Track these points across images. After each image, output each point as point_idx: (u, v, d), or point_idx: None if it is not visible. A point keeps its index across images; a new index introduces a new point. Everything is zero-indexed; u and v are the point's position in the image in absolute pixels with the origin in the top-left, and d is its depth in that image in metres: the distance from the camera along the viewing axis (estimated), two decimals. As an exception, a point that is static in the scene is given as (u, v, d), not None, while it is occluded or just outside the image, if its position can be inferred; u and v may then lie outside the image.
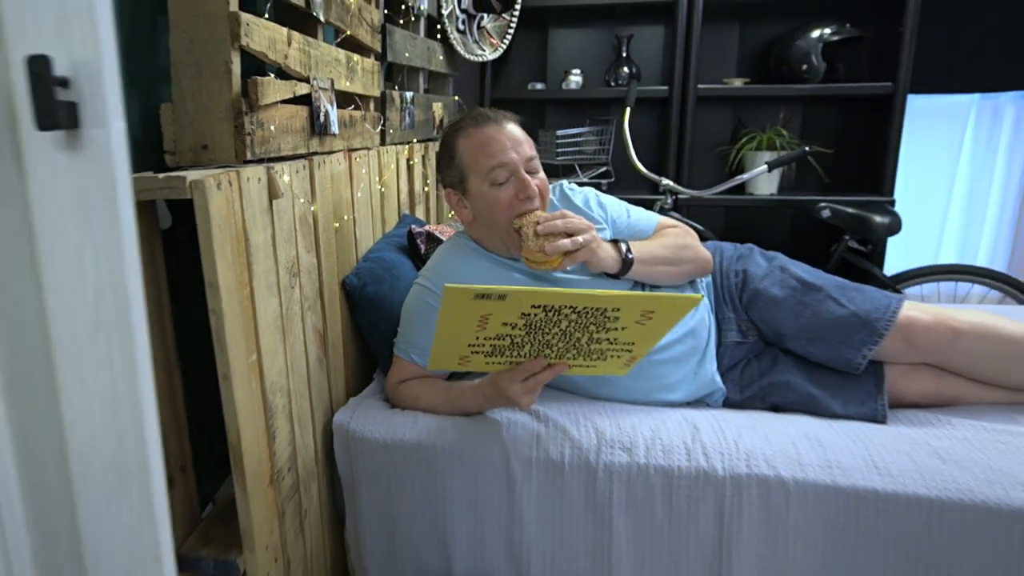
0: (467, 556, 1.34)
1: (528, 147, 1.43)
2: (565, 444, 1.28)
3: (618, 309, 1.07)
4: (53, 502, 0.69)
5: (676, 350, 1.42)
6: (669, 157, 2.79)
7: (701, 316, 1.47)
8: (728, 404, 1.46)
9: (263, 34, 1.14)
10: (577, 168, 2.93)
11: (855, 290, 1.46)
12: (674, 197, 2.49)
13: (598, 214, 1.53)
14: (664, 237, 1.52)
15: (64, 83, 0.55)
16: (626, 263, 1.39)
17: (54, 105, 0.52)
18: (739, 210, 3.01)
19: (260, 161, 1.15)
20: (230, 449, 1.03)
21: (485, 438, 1.31)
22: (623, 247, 1.41)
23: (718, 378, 1.46)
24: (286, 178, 1.20)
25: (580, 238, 1.30)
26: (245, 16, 1.07)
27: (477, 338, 1.11)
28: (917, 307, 1.40)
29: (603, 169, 2.92)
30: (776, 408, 1.43)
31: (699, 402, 1.46)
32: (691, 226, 1.65)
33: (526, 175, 1.37)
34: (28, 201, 0.54)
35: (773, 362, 1.47)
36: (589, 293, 1.04)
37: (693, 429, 1.29)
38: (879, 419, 1.34)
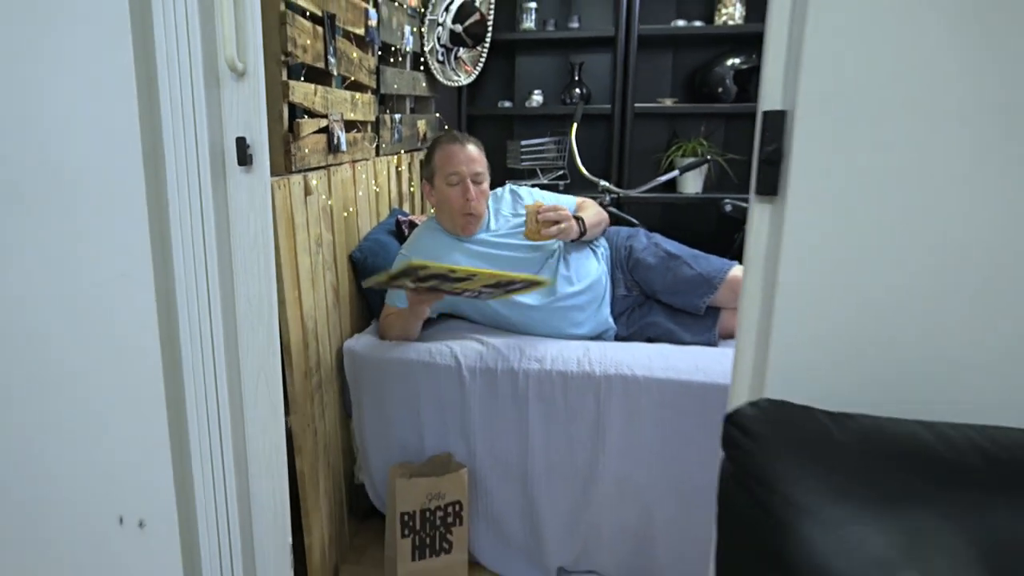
0: (433, 436, 1.99)
1: (479, 165, 2.08)
2: (498, 359, 1.93)
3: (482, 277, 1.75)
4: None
5: (581, 299, 2.08)
6: (613, 163, 3.45)
7: (599, 276, 2.13)
8: (618, 338, 2.11)
9: (300, 91, 1.78)
10: (539, 172, 3.58)
11: (703, 258, 2.11)
12: (611, 196, 3.13)
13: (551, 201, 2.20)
14: (587, 210, 2.18)
15: (244, 143, 1.18)
16: (583, 232, 2.06)
17: (244, 156, 1.16)
18: (671, 206, 3.66)
19: (299, 171, 1.79)
20: (283, 349, 1.67)
21: (446, 356, 1.95)
22: (583, 223, 2.07)
23: (611, 319, 2.11)
24: (314, 182, 1.85)
25: (564, 224, 1.97)
26: (292, 83, 1.71)
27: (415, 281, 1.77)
28: (741, 269, 2.06)
29: (560, 172, 3.57)
30: (649, 339, 2.08)
31: (598, 337, 2.11)
32: (613, 213, 2.30)
33: (470, 183, 2.03)
34: (228, 195, 1.17)
35: (648, 309, 2.12)
36: (478, 271, 1.70)
37: (585, 350, 1.94)
38: (713, 344, 2.00)
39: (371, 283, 1.77)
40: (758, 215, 0.92)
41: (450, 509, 1.90)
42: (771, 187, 0.88)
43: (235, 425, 1.26)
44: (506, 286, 1.81)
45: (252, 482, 1.32)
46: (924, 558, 0.67)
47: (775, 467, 0.75)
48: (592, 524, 1.93)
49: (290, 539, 1.39)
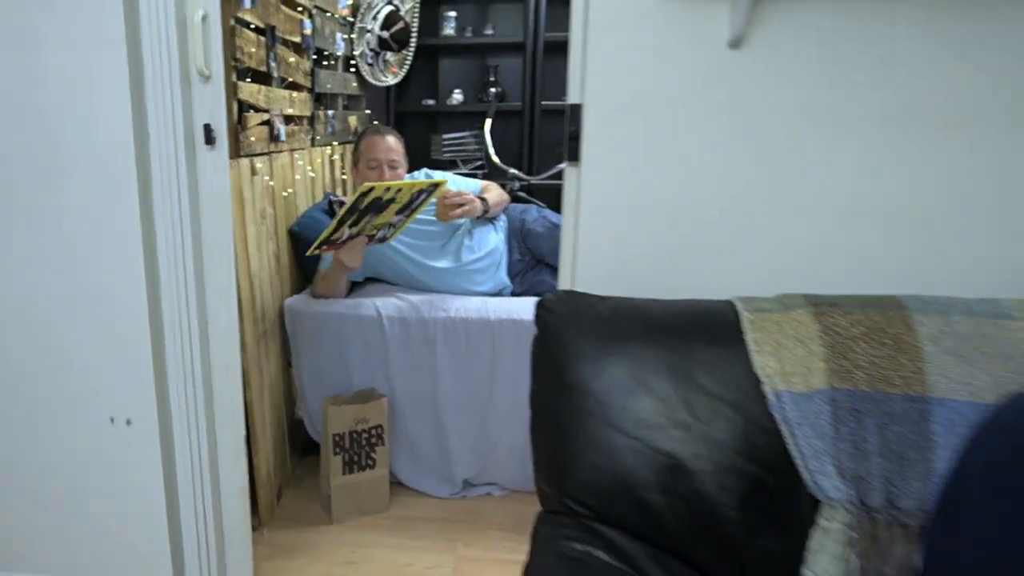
0: (359, 375, 2.40)
1: (395, 153, 2.50)
2: (413, 311, 2.35)
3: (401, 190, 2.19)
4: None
5: (482, 263, 2.52)
6: (524, 153, 3.90)
7: (498, 244, 2.57)
8: (514, 294, 2.56)
9: (247, 90, 2.18)
10: (459, 162, 4.01)
11: (583, 229, 2.57)
12: (520, 182, 3.58)
13: (460, 185, 2.64)
14: (491, 192, 2.62)
15: (210, 129, 1.58)
16: (486, 210, 2.50)
17: (210, 138, 1.55)
18: (578, 194, 4.13)
19: (247, 156, 2.19)
20: (239, 298, 2.07)
21: (370, 309, 2.37)
22: (487, 203, 2.50)
23: (507, 279, 2.56)
24: (259, 165, 2.24)
25: (467, 206, 2.40)
26: (240, 83, 2.11)
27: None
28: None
29: (479, 163, 4.02)
30: (538, 295, 2.53)
31: (498, 294, 2.55)
32: (523, 198, 2.74)
33: (387, 168, 2.46)
34: (197, 166, 1.57)
35: (539, 270, 2.58)
36: (403, 184, 2.16)
37: (484, 303, 2.38)
38: (589, 298, 2.46)
39: (314, 250, 2.20)
40: (568, 175, 1.37)
41: (373, 431, 2.32)
42: (575, 156, 1.33)
43: (202, 342, 1.66)
44: (417, 198, 2.25)
45: (215, 390, 1.72)
46: (644, 376, 1.12)
47: (562, 330, 1.20)
48: (490, 443, 2.37)
49: (244, 436, 1.79)
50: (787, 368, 1.05)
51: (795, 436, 1.02)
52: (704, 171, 1.26)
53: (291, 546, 2.20)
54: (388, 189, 2.14)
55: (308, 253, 2.29)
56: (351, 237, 2.27)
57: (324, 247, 2.25)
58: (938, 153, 1.19)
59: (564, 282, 1.39)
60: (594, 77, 1.26)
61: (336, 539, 2.25)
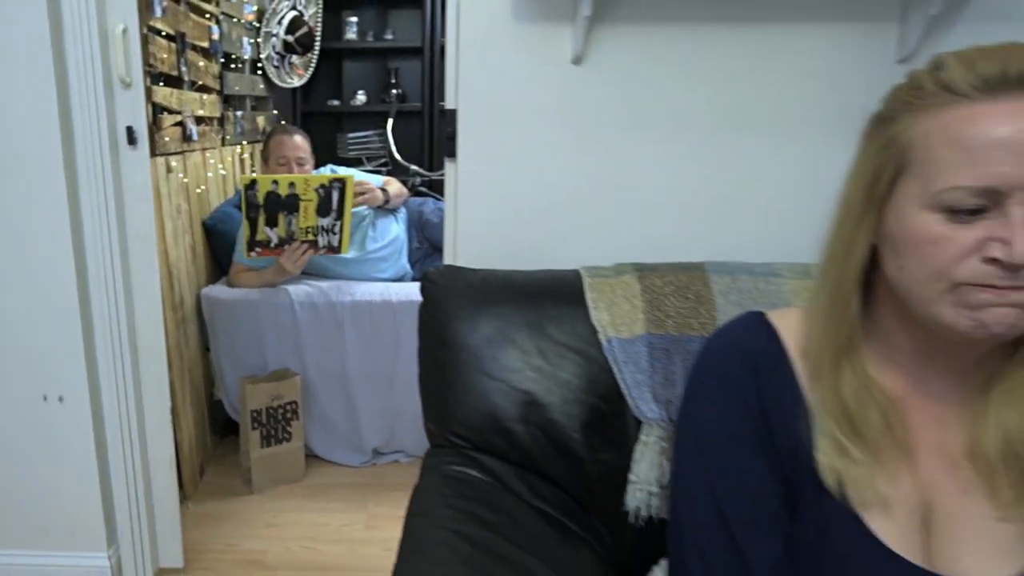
0: (273, 356, 2.61)
1: (302, 151, 2.71)
2: (322, 295, 2.57)
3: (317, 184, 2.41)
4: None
5: (384, 252, 2.76)
6: (424, 152, 4.15)
7: (398, 234, 2.81)
8: (414, 279, 2.80)
9: (160, 94, 2.35)
10: (364, 160, 4.22)
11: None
12: (421, 177, 3.82)
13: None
14: (392, 185, 2.85)
15: (132, 131, 1.76)
16: (387, 201, 2.73)
17: (132, 138, 1.73)
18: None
19: (162, 155, 2.36)
20: (161, 288, 2.25)
21: (282, 295, 2.58)
22: (388, 195, 2.73)
23: (408, 266, 2.80)
24: (174, 163, 2.42)
25: (368, 195, 2.62)
26: (154, 87, 2.28)
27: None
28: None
29: (383, 161, 4.23)
30: (438, 281, 2.79)
31: (399, 279, 2.79)
32: (424, 192, 2.98)
33: (294, 165, 2.66)
34: (120, 165, 1.75)
35: (436, 257, 2.83)
36: (295, 177, 2.37)
37: (387, 287, 2.62)
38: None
39: (249, 254, 2.43)
40: (448, 170, 1.62)
41: (288, 407, 2.53)
42: (452, 153, 1.58)
43: (129, 323, 1.84)
44: (330, 196, 2.46)
45: (142, 367, 1.90)
46: (507, 331, 1.39)
47: (442, 297, 1.45)
48: (397, 414, 2.62)
49: (170, 407, 1.99)
50: (616, 320, 1.33)
51: (622, 372, 1.30)
52: (557, 166, 1.53)
53: (216, 515, 2.40)
54: (276, 183, 2.35)
55: (245, 257, 2.49)
56: (284, 240, 2.48)
57: (259, 250, 2.45)
58: (737, 151, 1.50)
59: (448, 259, 1.65)
60: (465, 86, 1.52)
61: (257, 507, 2.46)
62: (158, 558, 2.04)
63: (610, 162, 1.53)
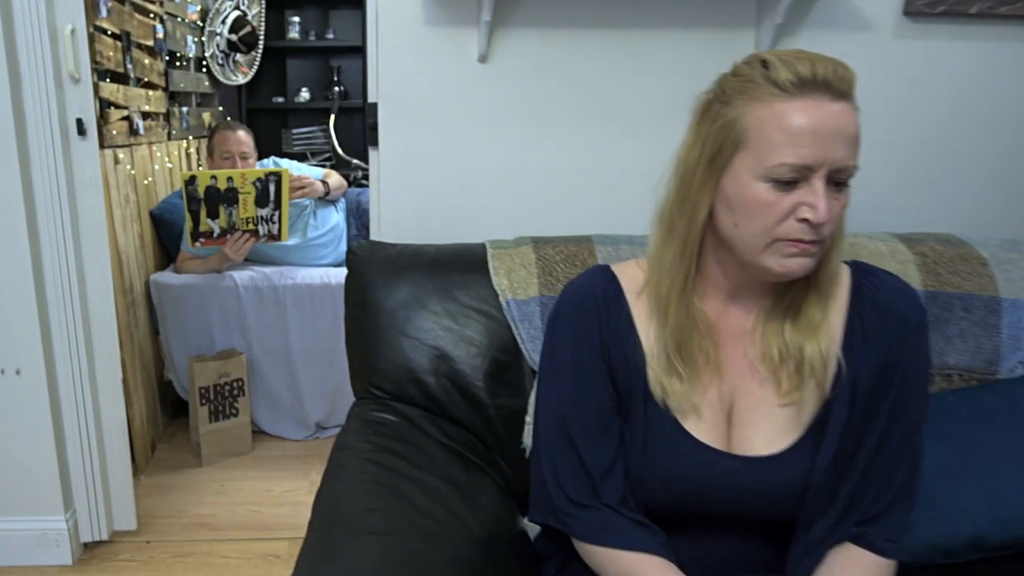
0: (220, 337, 2.77)
1: (246, 146, 2.87)
2: (265, 280, 2.74)
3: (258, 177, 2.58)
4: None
5: (324, 239, 2.94)
6: (366, 146, 4.31)
7: (338, 222, 2.99)
8: (355, 265, 2.98)
9: (107, 89, 2.50)
10: (309, 155, 4.38)
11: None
12: (362, 171, 4.00)
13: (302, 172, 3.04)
14: (332, 177, 3.03)
15: (82, 123, 1.91)
16: (328, 192, 2.90)
17: (82, 130, 1.89)
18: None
19: (110, 147, 2.51)
20: (112, 272, 2.39)
21: (228, 280, 2.74)
22: (328, 187, 2.91)
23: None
24: (121, 156, 2.57)
25: (307, 188, 2.79)
26: (101, 84, 2.43)
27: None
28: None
29: (327, 155, 4.40)
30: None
31: (339, 265, 2.97)
32: (365, 184, 3.16)
33: (238, 159, 2.82)
34: (70, 155, 1.90)
35: (376, 244, 3.02)
36: (232, 171, 2.54)
37: (326, 271, 2.80)
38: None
39: (194, 243, 2.57)
40: (372, 157, 1.81)
41: (235, 384, 2.70)
42: (375, 142, 1.77)
43: (81, 298, 2.00)
44: (267, 189, 2.63)
45: (94, 340, 2.06)
46: (421, 296, 1.59)
47: (364, 268, 1.65)
48: (339, 389, 2.80)
49: (121, 379, 2.14)
50: (514, 284, 1.54)
51: (519, 329, 1.51)
52: (466, 153, 1.74)
53: (167, 486, 2.56)
54: (215, 178, 2.52)
55: (190, 247, 2.65)
56: (226, 231, 2.64)
57: (203, 240, 2.61)
58: (621, 138, 1.72)
59: (373, 236, 1.84)
60: (384, 82, 1.72)
61: (207, 477, 2.63)
62: (112, 521, 2.20)
63: (512, 149, 1.74)
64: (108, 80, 2.57)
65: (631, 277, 1.12)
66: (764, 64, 0.93)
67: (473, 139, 1.74)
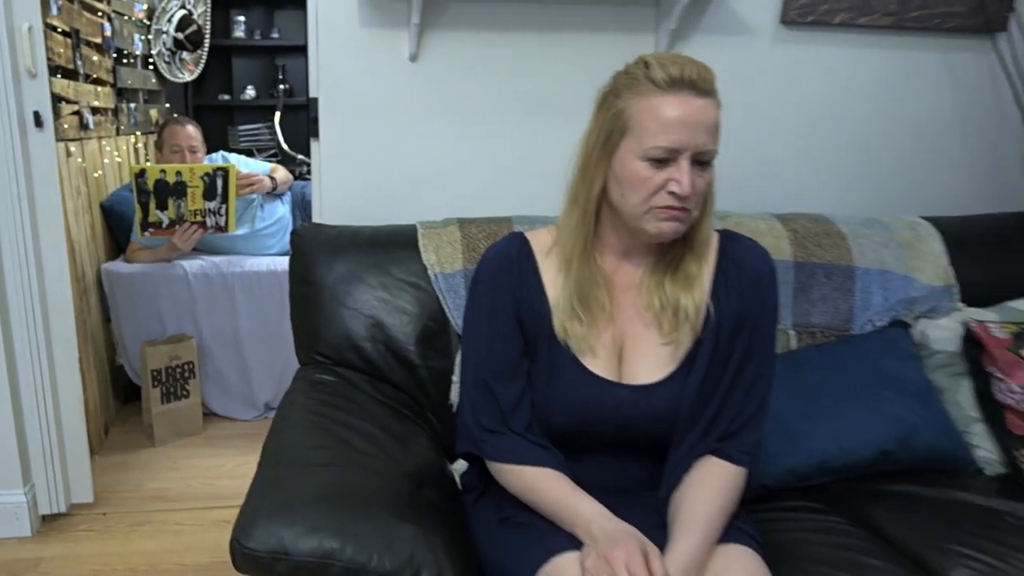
0: (171, 323, 2.91)
1: (194, 140, 3.01)
2: (215, 268, 2.89)
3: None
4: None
5: (271, 230, 3.09)
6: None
7: (284, 214, 3.15)
8: (300, 254, 3.15)
9: (58, 85, 2.62)
10: (255, 151, 4.50)
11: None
12: (307, 165, 4.14)
13: (250, 168, 3.18)
14: (278, 172, 3.19)
15: (39, 115, 2.04)
16: (275, 187, 3.05)
17: (39, 122, 2.02)
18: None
19: (62, 140, 2.63)
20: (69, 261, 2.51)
21: (178, 269, 2.88)
22: (275, 181, 3.06)
23: (294, 242, 3.14)
24: (73, 149, 2.69)
25: (255, 184, 2.95)
26: (52, 79, 2.56)
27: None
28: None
29: (272, 151, 4.53)
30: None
31: (285, 254, 3.12)
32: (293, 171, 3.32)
33: (187, 153, 2.96)
34: (28, 146, 2.03)
35: (321, 234, 3.19)
36: (181, 166, 2.69)
37: (272, 260, 2.95)
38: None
39: (144, 233, 2.70)
40: (313, 148, 1.99)
41: (186, 367, 2.84)
42: (316, 134, 1.95)
43: (39, 282, 2.13)
44: (215, 184, 2.78)
45: (51, 319, 2.19)
46: (358, 272, 1.77)
47: (307, 247, 1.82)
48: (285, 370, 2.95)
49: (77, 357, 2.28)
50: (442, 260, 1.73)
51: (446, 299, 1.70)
52: (400, 143, 1.93)
53: (122, 464, 2.69)
54: (164, 171, 2.67)
55: (140, 237, 2.79)
56: (175, 222, 2.78)
57: (152, 230, 2.75)
58: (537, 128, 1.93)
59: (316, 219, 2.02)
60: (324, 79, 1.89)
61: (160, 456, 2.76)
62: (70, 494, 2.33)
63: (440, 140, 1.93)
64: (59, 76, 2.69)
65: (541, 240, 1.34)
66: (646, 65, 1.15)
67: (405, 131, 1.93)
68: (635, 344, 1.25)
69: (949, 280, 1.76)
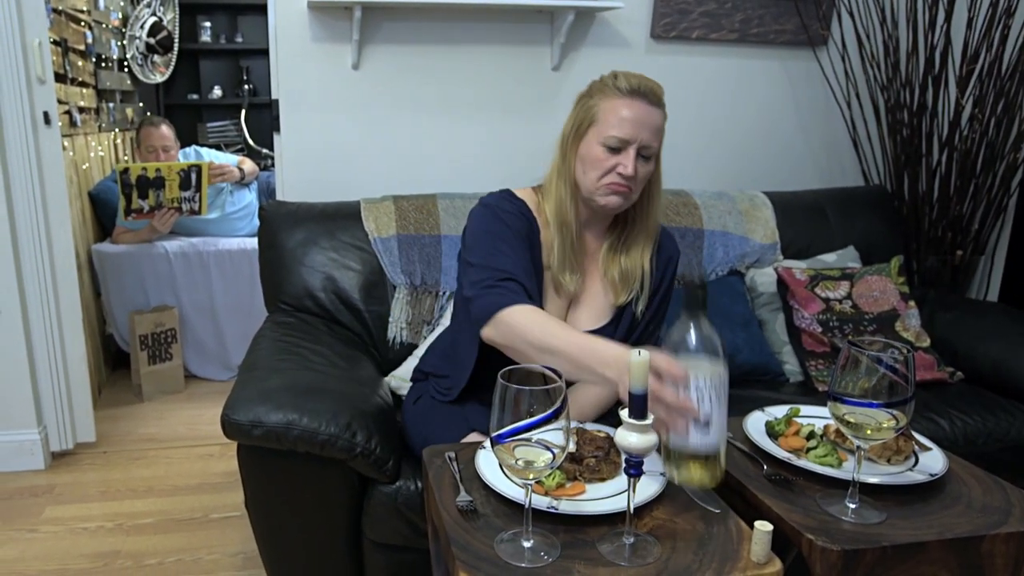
0: (154, 296, 3.33)
1: (168, 140, 3.44)
2: (192, 247, 3.32)
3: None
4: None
5: (240, 214, 3.53)
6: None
7: (252, 200, 3.59)
8: (267, 235, 3.59)
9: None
10: (223, 146, 4.91)
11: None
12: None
13: (221, 160, 3.61)
14: (246, 163, 3.62)
15: (47, 115, 2.46)
16: (243, 177, 3.49)
17: (48, 120, 2.44)
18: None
19: (57, 138, 3.05)
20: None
21: (159, 248, 3.31)
22: (244, 171, 3.49)
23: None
24: (65, 144, 3.11)
25: (227, 174, 3.38)
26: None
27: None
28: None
29: (239, 147, 4.94)
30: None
31: (252, 236, 3.56)
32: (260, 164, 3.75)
33: (161, 151, 3.39)
34: (40, 143, 2.44)
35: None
36: (161, 164, 3.13)
37: (243, 240, 3.39)
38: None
39: (126, 218, 3.12)
40: (276, 140, 2.44)
41: (169, 333, 3.27)
42: (278, 128, 2.41)
43: (49, 253, 2.55)
44: (189, 177, 3.21)
45: (60, 288, 2.61)
46: (313, 238, 2.23)
47: (273, 220, 2.28)
48: (255, 335, 3.40)
49: (82, 318, 2.70)
50: (380, 227, 2.20)
51: (383, 257, 2.17)
52: (346, 136, 2.39)
53: (115, 416, 3.11)
54: (145, 169, 3.11)
55: (124, 221, 3.22)
56: (155, 208, 3.21)
57: (134, 215, 3.18)
58: (460, 124, 2.40)
59: (279, 197, 2.47)
60: (283, 83, 2.35)
61: (149, 409, 3.19)
62: (76, 434, 2.76)
63: (379, 133, 2.40)
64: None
65: (527, 198, 1.60)
66: (615, 76, 1.51)
67: (350, 126, 2.40)
68: (588, 297, 1.59)
69: (775, 239, 2.28)
